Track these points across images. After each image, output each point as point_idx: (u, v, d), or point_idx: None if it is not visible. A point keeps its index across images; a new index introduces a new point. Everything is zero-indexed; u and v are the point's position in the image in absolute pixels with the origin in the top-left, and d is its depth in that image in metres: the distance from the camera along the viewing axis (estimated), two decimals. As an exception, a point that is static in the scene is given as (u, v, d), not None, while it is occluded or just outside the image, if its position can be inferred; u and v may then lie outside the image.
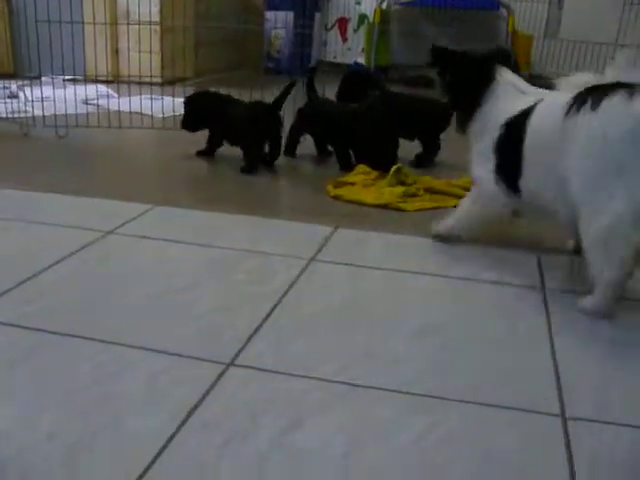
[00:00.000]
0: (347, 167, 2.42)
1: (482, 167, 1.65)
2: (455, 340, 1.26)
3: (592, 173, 1.35)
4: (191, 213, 1.89)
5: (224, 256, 1.59)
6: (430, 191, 2.18)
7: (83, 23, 3.62)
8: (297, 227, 1.82)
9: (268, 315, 1.31)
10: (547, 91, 1.57)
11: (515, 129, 1.55)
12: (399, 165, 2.24)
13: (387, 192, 2.12)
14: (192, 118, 2.54)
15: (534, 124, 1.50)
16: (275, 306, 1.34)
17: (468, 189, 1.83)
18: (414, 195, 2.13)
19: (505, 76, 1.64)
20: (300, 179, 2.41)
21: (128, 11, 4.35)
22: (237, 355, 1.16)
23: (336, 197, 2.11)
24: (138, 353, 1.15)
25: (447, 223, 1.76)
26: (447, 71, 1.75)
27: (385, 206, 2.04)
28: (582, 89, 1.39)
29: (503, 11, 4.95)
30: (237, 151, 2.42)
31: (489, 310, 1.40)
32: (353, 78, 2.82)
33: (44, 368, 1.09)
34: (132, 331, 1.22)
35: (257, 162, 2.39)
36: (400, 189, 2.13)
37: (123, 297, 1.36)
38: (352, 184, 2.22)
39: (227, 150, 2.51)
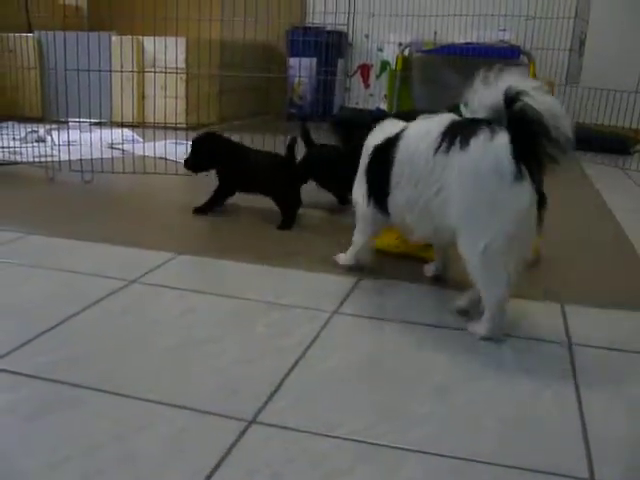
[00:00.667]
0: None
1: (358, 190, 1.80)
2: (479, 397, 1.24)
3: (468, 205, 1.46)
4: (213, 262, 1.90)
5: (246, 308, 1.59)
6: None
7: (111, 71, 3.68)
8: (319, 278, 1.81)
9: (290, 370, 1.29)
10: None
11: (381, 154, 1.68)
12: None
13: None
14: (199, 159, 2.53)
15: (402, 150, 1.60)
16: (297, 361, 1.33)
17: None
18: None
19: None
20: (319, 228, 2.40)
21: (155, 59, 4.43)
22: (259, 412, 1.14)
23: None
24: (159, 409, 1.14)
25: (347, 253, 1.88)
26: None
27: (406, 255, 2.03)
28: (448, 125, 1.50)
29: (524, 59, 4.99)
30: (254, 200, 2.42)
31: (515, 366, 1.38)
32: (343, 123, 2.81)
33: (63, 423, 1.08)
34: (153, 385, 1.22)
35: (294, 217, 2.38)
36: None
37: (144, 349, 1.36)
38: None
39: (243, 199, 2.53)
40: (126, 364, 1.29)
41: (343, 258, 1.90)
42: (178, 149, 3.44)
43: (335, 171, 2.49)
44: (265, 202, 2.39)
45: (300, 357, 1.35)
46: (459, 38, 5.10)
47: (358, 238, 1.85)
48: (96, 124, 4.19)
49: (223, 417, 1.12)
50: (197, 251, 1.98)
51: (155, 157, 3.16)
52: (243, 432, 1.08)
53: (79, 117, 3.61)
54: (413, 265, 1.99)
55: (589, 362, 1.41)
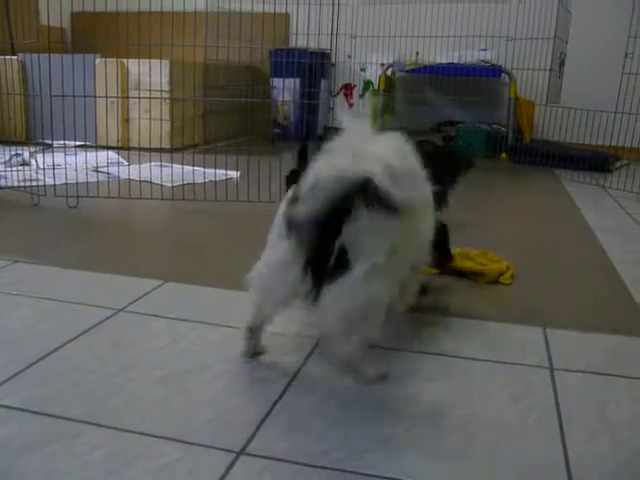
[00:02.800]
0: None
1: None
2: (467, 422, 1.26)
3: None
4: (201, 290, 1.91)
5: (234, 336, 1.60)
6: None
7: (96, 97, 3.70)
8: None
9: (278, 399, 1.31)
10: None
11: None
12: None
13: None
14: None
15: None
16: (285, 389, 1.35)
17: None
18: None
19: None
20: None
21: (139, 81, 4.46)
22: (248, 442, 1.16)
23: None
24: (150, 441, 1.15)
25: None
26: None
27: None
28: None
29: (505, 78, 5.07)
30: (242, 225, 2.44)
31: (496, 391, 1.40)
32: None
33: (56, 457, 1.09)
34: (144, 417, 1.23)
35: None
36: None
37: (135, 380, 1.37)
38: None
39: (235, 222, 2.55)
40: (117, 396, 1.30)
41: None
42: (163, 172, 3.47)
43: None
44: (250, 224, 2.41)
45: (288, 385, 1.37)
46: (441, 58, 5.18)
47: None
48: (81, 147, 4.20)
49: (213, 449, 1.14)
50: (184, 277, 1.99)
51: (140, 180, 3.18)
52: (232, 464, 1.10)
53: (64, 139, 3.62)
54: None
55: (571, 387, 1.44)
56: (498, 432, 1.24)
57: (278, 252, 1.33)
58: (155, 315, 1.70)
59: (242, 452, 1.13)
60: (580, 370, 1.52)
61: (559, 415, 1.31)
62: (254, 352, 1.49)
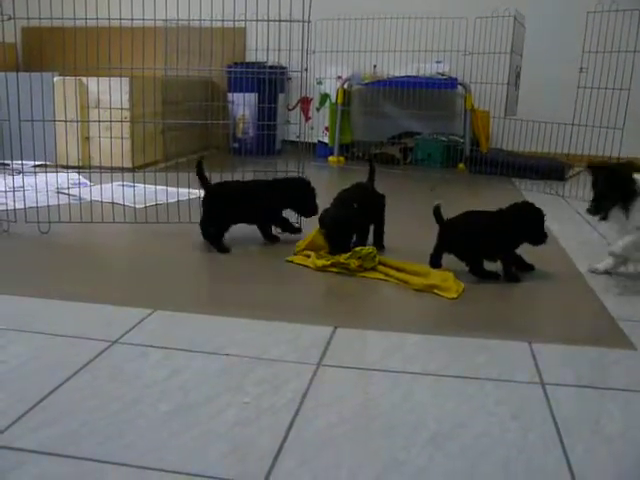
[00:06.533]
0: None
1: None
2: (471, 444, 1.30)
3: None
4: (192, 317, 1.92)
5: (233, 365, 1.62)
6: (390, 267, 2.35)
7: (55, 121, 3.65)
8: (299, 329, 1.85)
9: (289, 429, 1.34)
10: None
11: None
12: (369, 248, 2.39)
13: (340, 258, 2.36)
14: None
15: None
16: (294, 419, 1.38)
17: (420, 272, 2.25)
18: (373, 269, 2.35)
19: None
20: (290, 273, 2.45)
21: (99, 99, 4.42)
22: (268, 475, 1.18)
23: (290, 261, 2.46)
24: (169, 478, 1.17)
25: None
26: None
27: (332, 265, 2.34)
28: None
29: (462, 90, 5.19)
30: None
31: (498, 409, 1.45)
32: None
33: (80, 500, 1.10)
34: (155, 452, 1.24)
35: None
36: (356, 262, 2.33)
37: (141, 415, 1.38)
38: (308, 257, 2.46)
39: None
40: (128, 433, 1.31)
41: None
42: (129, 192, 3.44)
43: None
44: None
45: (295, 414, 1.39)
46: (399, 71, 5.25)
47: None
48: (40, 166, 4.12)
49: (235, 483, 1.16)
50: (173, 304, 1.99)
51: (111, 202, 3.15)
52: (257, 498, 1.12)
53: (21, 160, 3.55)
54: (389, 311, 2.07)
55: (564, 402, 1.50)
56: (503, 450, 1.29)
57: None
58: (151, 346, 1.71)
59: (263, 484, 1.16)
60: (570, 384, 1.58)
61: (558, 430, 1.37)
62: None
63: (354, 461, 1.24)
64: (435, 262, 2.35)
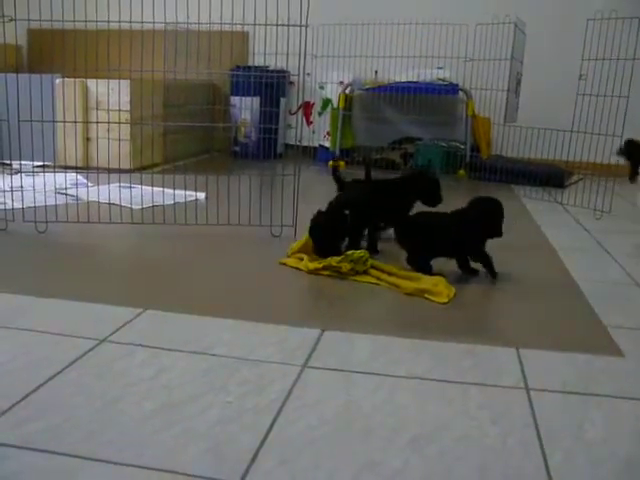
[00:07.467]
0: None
1: None
2: (450, 447, 1.31)
3: None
4: (182, 317, 1.93)
5: (219, 365, 1.63)
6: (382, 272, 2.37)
7: (54, 122, 3.66)
8: (287, 331, 1.86)
9: (270, 429, 1.34)
10: None
11: None
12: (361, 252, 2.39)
13: (332, 261, 2.37)
14: None
15: None
16: (275, 419, 1.38)
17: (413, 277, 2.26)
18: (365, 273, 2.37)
19: None
20: (282, 275, 2.46)
21: (99, 101, 4.44)
22: (245, 474, 1.19)
23: (283, 264, 2.48)
24: (149, 475, 1.17)
25: None
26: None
27: (324, 268, 2.36)
28: None
29: (463, 96, 5.19)
30: (213, 249, 2.46)
31: (480, 413, 1.45)
32: None
33: (57, 496, 1.11)
34: (137, 450, 1.25)
35: None
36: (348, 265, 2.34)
37: (125, 412, 1.39)
38: (301, 259, 2.47)
39: (205, 245, 2.57)
40: (109, 430, 1.32)
41: None
42: (127, 193, 3.46)
43: None
44: (220, 248, 2.43)
45: (277, 415, 1.40)
46: (400, 76, 5.27)
47: None
48: (40, 167, 4.15)
49: (212, 481, 1.17)
50: (164, 304, 2.01)
51: (108, 203, 3.17)
52: (233, 496, 1.13)
53: (19, 160, 3.57)
54: (378, 315, 2.08)
55: (548, 407, 1.50)
56: (483, 454, 1.30)
57: None
58: (139, 345, 1.72)
59: (240, 483, 1.16)
60: (555, 390, 1.58)
61: (539, 436, 1.37)
62: None
63: (332, 462, 1.24)
64: (424, 264, 2.38)
